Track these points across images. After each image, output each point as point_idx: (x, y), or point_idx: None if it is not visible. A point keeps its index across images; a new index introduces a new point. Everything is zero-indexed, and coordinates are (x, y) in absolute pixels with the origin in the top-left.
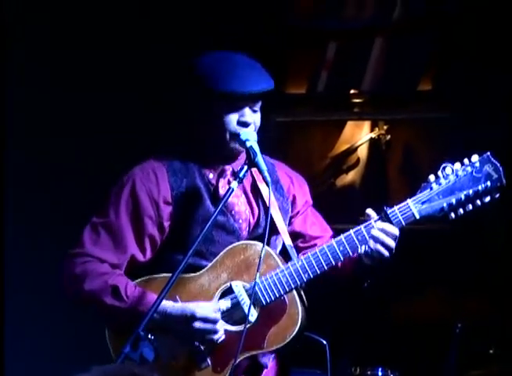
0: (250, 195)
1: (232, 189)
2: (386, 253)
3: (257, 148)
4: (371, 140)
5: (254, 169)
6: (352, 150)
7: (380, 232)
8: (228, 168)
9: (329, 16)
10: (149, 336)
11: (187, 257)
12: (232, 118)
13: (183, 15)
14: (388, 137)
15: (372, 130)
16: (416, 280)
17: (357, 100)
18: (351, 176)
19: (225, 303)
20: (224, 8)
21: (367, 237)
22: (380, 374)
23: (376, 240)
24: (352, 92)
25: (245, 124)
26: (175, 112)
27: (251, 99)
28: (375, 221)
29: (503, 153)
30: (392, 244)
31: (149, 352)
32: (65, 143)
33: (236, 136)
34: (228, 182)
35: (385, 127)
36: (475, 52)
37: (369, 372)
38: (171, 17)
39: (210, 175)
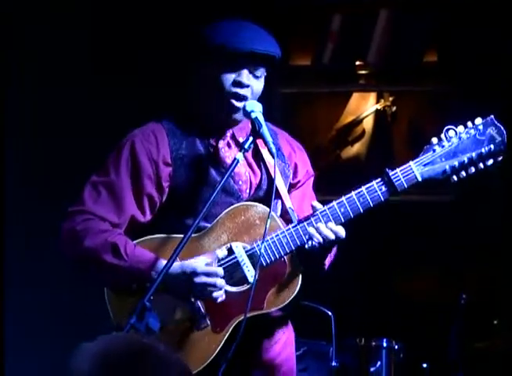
0: (251, 158)
1: (238, 161)
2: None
3: (262, 119)
4: (376, 112)
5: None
6: (358, 121)
7: (324, 227)
8: (229, 131)
9: None
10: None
11: (196, 221)
12: (229, 77)
13: (182, 9)
14: (394, 109)
15: (377, 102)
16: (416, 252)
17: (362, 72)
18: (356, 148)
19: (222, 252)
20: None
21: (369, 198)
22: (384, 345)
23: (320, 232)
24: (358, 63)
25: (240, 84)
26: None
27: (251, 61)
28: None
29: (507, 125)
30: (332, 237)
31: (154, 322)
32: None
33: (231, 99)
34: (228, 145)
35: (390, 98)
36: (481, 24)
37: (373, 343)
38: (170, 11)
39: (211, 138)
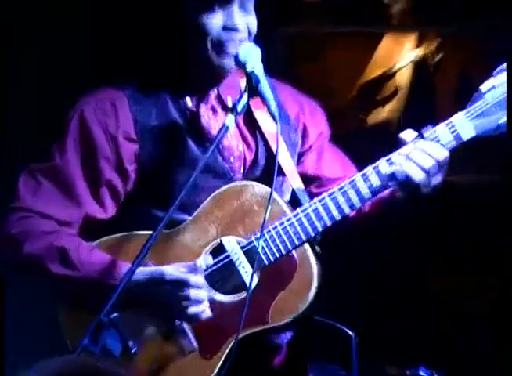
0: (243, 125)
1: (227, 127)
2: (419, 176)
3: (260, 72)
4: (415, 61)
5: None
6: (389, 75)
7: (418, 152)
8: (213, 91)
9: None
10: (114, 315)
11: (170, 210)
12: (215, 21)
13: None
14: (439, 56)
15: (417, 47)
16: (461, 247)
17: (396, 7)
18: (387, 111)
19: (207, 259)
20: None
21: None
22: (421, 374)
23: (410, 161)
24: None
25: (234, 29)
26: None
27: None
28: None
29: None
30: (428, 165)
31: (114, 343)
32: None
33: (222, 46)
34: (213, 109)
35: (435, 43)
36: None
37: (408, 372)
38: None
39: (188, 100)
